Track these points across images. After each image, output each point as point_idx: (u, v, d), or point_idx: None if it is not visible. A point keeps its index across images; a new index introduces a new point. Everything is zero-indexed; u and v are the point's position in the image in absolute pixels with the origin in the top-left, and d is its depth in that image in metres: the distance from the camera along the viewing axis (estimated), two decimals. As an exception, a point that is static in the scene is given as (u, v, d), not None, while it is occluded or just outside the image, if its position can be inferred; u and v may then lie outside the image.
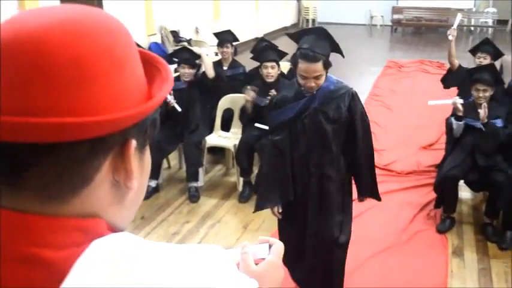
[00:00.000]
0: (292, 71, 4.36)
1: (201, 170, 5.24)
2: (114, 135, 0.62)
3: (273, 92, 4.81)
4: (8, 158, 0.60)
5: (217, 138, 5.50)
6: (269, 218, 4.24)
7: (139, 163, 0.69)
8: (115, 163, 0.65)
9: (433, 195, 4.73)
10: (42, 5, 5.00)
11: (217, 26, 10.64)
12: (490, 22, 18.24)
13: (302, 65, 2.99)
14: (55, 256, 0.59)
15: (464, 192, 5.02)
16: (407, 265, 3.98)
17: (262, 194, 3.43)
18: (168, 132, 5.03)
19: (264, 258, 1.03)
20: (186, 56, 5.19)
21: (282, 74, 5.27)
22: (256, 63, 5.45)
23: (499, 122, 4.41)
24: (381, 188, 5.11)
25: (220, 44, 6.03)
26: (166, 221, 4.67)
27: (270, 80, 5.04)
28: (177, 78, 5.16)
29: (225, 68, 5.96)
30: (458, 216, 4.71)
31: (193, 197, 5.08)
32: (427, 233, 4.46)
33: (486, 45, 5.58)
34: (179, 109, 4.85)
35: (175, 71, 5.24)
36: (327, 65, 3.04)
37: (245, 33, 10.61)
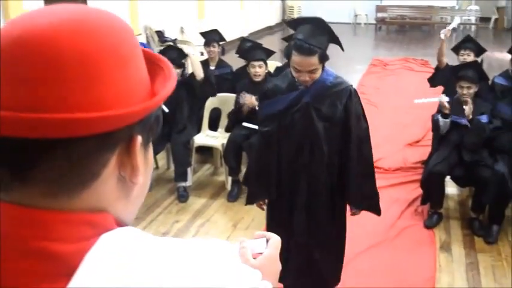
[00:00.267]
0: (281, 69, 4.37)
1: (189, 170, 5.25)
2: (120, 131, 0.64)
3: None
4: (18, 153, 0.61)
5: (205, 137, 5.51)
6: (258, 217, 4.26)
7: (144, 159, 0.71)
8: (121, 159, 0.67)
9: (420, 191, 4.78)
10: (26, 6, 4.93)
11: (202, 26, 10.63)
12: (472, 20, 18.41)
13: (296, 58, 2.79)
14: (65, 250, 0.61)
15: (451, 188, 5.08)
16: (396, 261, 4.02)
17: (251, 188, 3.32)
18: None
19: (261, 253, 1.05)
20: (173, 55, 5.18)
21: (269, 73, 5.29)
22: (242, 62, 5.46)
23: (484, 118, 4.47)
24: (369, 185, 5.19)
25: (206, 44, 6.03)
26: (155, 221, 4.67)
27: (258, 79, 5.05)
28: None
29: (212, 67, 5.96)
30: (445, 212, 4.77)
31: (182, 196, 5.08)
32: (415, 229, 4.50)
33: (468, 43, 5.64)
34: (166, 110, 4.84)
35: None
36: (324, 59, 2.83)
37: (230, 33, 10.59)
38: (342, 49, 3.10)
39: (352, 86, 3.04)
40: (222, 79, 5.84)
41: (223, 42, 6.16)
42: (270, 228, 3.28)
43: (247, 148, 4.82)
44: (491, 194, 4.27)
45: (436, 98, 4.67)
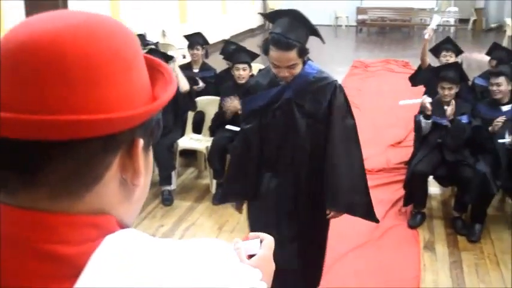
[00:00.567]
0: None
1: (173, 173, 5.23)
2: (123, 133, 0.65)
3: None
4: (22, 156, 0.62)
5: (189, 141, 5.50)
6: (244, 219, 4.26)
7: (145, 162, 0.72)
8: (123, 162, 0.68)
9: (404, 191, 4.82)
10: (4, 7, 4.86)
11: (184, 29, 10.62)
12: (451, 21, 18.64)
13: (274, 53, 2.66)
14: (71, 252, 0.62)
15: (433, 188, 5.13)
16: (381, 260, 4.05)
17: (225, 186, 3.22)
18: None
19: (255, 254, 1.06)
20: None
21: (253, 76, 5.30)
22: (225, 65, 5.47)
23: (464, 118, 4.53)
24: (353, 186, 5.22)
25: (190, 46, 6.03)
26: (140, 225, 4.64)
27: (242, 81, 5.06)
28: None
29: (195, 70, 5.96)
30: (429, 211, 4.82)
31: (167, 200, 5.07)
32: (399, 229, 4.54)
33: (448, 44, 5.72)
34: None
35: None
36: (303, 53, 2.70)
37: (212, 36, 10.60)
38: (323, 41, 2.94)
39: (337, 81, 2.90)
40: (205, 82, 5.84)
41: (207, 45, 6.16)
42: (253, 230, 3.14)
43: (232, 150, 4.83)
44: (473, 194, 4.32)
45: (419, 100, 4.71)
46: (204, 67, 6.04)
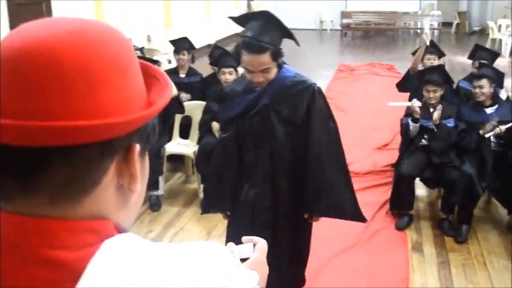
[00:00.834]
0: None
1: (161, 179, 5.22)
2: (120, 139, 0.65)
3: None
4: (20, 162, 0.62)
5: (176, 145, 5.49)
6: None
7: (141, 167, 0.72)
8: (120, 167, 0.68)
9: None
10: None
11: (169, 34, 10.61)
12: (435, 24, 18.82)
13: (246, 57, 2.55)
14: (70, 257, 0.62)
15: (420, 190, 5.17)
16: (370, 263, 4.07)
17: (207, 196, 3.14)
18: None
19: (249, 257, 1.07)
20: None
21: (238, 80, 5.30)
22: (211, 70, 5.47)
23: (451, 122, 4.57)
24: (340, 189, 5.24)
25: (176, 51, 6.02)
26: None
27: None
28: None
29: (182, 75, 5.96)
30: (416, 213, 4.85)
31: (155, 205, 5.05)
32: (387, 231, 4.57)
33: (432, 47, 5.76)
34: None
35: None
36: (277, 56, 2.58)
37: (197, 41, 10.61)
38: (297, 43, 2.80)
39: (315, 84, 2.78)
40: (192, 87, 5.84)
41: (193, 49, 6.16)
42: (230, 238, 2.95)
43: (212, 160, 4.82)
44: (459, 195, 4.36)
45: (409, 103, 4.73)
46: (191, 72, 6.04)
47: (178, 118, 5.57)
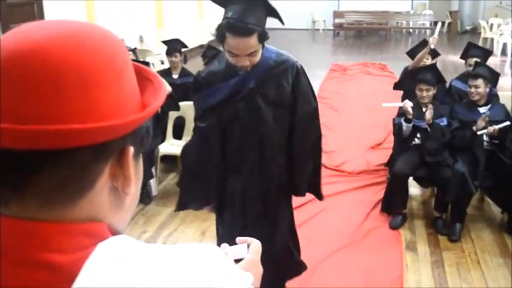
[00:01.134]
0: None
1: (153, 181, 5.25)
2: (114, 141, 0.65)
3: None
4: (15, 166, 0.61)
5: (169, 146, 5.49)
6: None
7: (135, 169, 0.72)
8: (114, 170, 0.68)
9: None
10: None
11: (162, 34, 10.60)
12: (427, 24, 18.89)
13: (232, 40, 2.37)
14: (65, 260, 0.62)
15: (414, 188, 5.19)
16: (364, 262, 4.07)
17: (185, 191, 2.91)
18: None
19: (243, 258, 1.07)
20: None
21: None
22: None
23: (444, 121, 4.59)
24: (334, 189, 5.27)
25: (168, 53, 6.01)
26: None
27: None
28: None
29: (175, 76, 5.95)
30: (409, 212, 4.86)
31: (146, 198, 5.12)
32: (381, 230, 4.58)
33: (424, 47, 5.76)
34: None
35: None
36: (263, 38, 2.43)
37: (189, 41, 10.60)
38: (282, 22, 2.62)
39: (297, 62, 2.68)
40: (185, 87, 5.82)
41: (186, 48, 6.15)
42: (220, 236, 2.99)
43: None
44: (453, 193, 4.37)
45: (402, 103, 4.73)
46: (184, 73, 6.03)
47: (171, 119, 5.56)
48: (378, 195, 5.12)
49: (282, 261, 2.99)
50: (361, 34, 19.48)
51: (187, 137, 5.53)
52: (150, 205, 5.14)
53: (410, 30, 18.99)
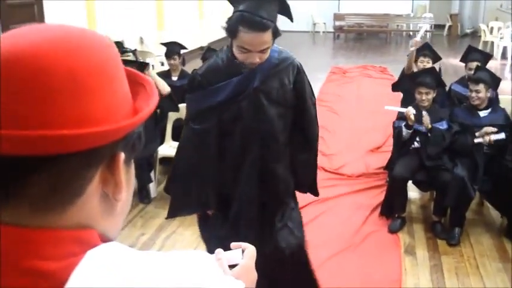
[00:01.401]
0: None
1: (152, 185, 5.28)
2: (105, 147, 0.64)
3: None
4: (5, 172, 0.61)
5: (168, 148, 5.47)
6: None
7: (127, 175, 0.71)
8: (104, 176, 0.67)
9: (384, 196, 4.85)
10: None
11: (162, 35, 10.60)
12: (427, 27, 18.88)
13: (246, 35, 2.26)
14: (54, 267, 0.61)
15: (413, 192, 5.18)
16: (363, 265, 4.07)
17: (177, 198, 2.73)
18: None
19: (237, 264, 1.06)
20: (131, 68, 5.12)
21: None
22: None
23: (443, 125, 4.58)
24: (333, 192, 5.27)
25: (167, 56, 6.00)
26: (120, 234, 4.53)
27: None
28: None
29: (174, 78, 5.94)
30: (408, 216, 4.85)
31: (145, 198, 5.17)
32: (380, 234, 4.57)
33: (426, 50, 5.77)
34: None
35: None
36: (276, 34, 2.34)
37: (190, 43, 10.60)
38: (291, 20, 2.53)
39: (296, 59, 2.62)
40: (184, 89, 5.79)
41: (185, 49, 6.14)
42: (209, 245, 2.84)
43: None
44: (452, 197, 4.36)
45: (405, 109, 4.70)
46: (183, 75, 6.02)
47: (170, 120, 5.55)
48: (377, 198, 5.11)
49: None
50: (361, 37, 19.49)
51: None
52: (149, 207, 5.13)
53: (411, 33, 18.97)
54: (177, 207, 2.74)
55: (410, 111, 4.58)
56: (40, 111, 0.59)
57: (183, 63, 6.11)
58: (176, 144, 5.47)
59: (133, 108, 0.70)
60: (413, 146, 4.70)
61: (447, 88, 5.55)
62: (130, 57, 6.55)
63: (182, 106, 5.50)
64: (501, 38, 14.00)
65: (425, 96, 4.61)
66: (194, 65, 5.81)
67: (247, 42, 2.29)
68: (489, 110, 4.65)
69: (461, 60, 5.74)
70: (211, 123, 2.51)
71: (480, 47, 12.63)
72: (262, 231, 2.70)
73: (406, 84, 5.55)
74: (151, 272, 0.65)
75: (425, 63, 5.54)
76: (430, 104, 4.65)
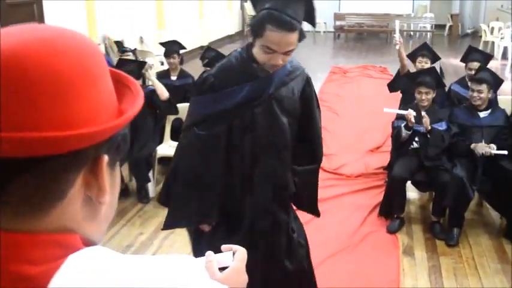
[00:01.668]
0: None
1: (150, 184, 5.27)
2: (87, 150, 0.64)
3: None
4: None
5: (167, 148, 5.47)
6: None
7: (111, 178, 0.71)
8: (87, 179, 0.67)
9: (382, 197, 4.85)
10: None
11: (162, 35, 10.59)
12: (428, 27, 18.87)
13: (274, 34, 2.13)
14: (35, 271, 0.61)
15: (412, 193, 5.17)
16: (361, 266, 4.06)
17: (176, 207, 2.50)
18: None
19: (228, 266, 1.06)
20: (131, 67, 5.11)
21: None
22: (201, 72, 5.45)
23: (442, 125, 4.57)
24: (332, 192, 5.26)
25: (166, 55, 6.00)
26: (119, 233, 4.60)
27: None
28: None
29: (173, 78, 5.94)
30: (407, 216, 4.84)
31: (144, 198, 5.17)
32: (378, 234, 4.56)
33: (425, 50, 5.77)
34: None
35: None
36: (302, 37, 2.22)
37: (190, 42, 10.59)
38: (314, 25, 2.41)
39: (305, 69, 2.54)
40: (183, 89, 5.82)
41: (184, 49, 6.13)
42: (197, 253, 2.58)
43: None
44: (451, 197, 4.35)
45: (405, 112, 4.67)
46: (182, 74, 6.02)
47: (169, 120, 5.55)
48: (376, 199, 5.11)
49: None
50: (361, 36, 19.47)
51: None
52: (147, 207, 5.13)
53: (411, 33, 18.95)
54: (175, 218, 2.52)
55: (411, 114, 4.56)
56: (19, 113, 0.58)
57: (181, 62, 6.10)
58: (175, 144, 5.49)
59: (118, 110, 0.70)
60: (412, 146, 4.70)
61: (447, 88, 5.54)
62: (130, 56, 6.54)
63: (181, 106, 5.50)
64: (502, 38, 13.99)
65: (425, 96, 4.60)
66: (194, 64, 5.82)
67: (273, 42, 2.16)
68: (489, 111, 4.64)
69: (461, 61, 5.73)
70: (220, 129, 2.34)
71: (481, 47, 12.63)
72: (273, 242, 2.61)
73: (402, 84, 5.57)
74: (132, 275, 0.64)
75: (424, 63, 5.53)
76: (429, 104, 4.64)
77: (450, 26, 19.42)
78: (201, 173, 2.40)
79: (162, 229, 2.63)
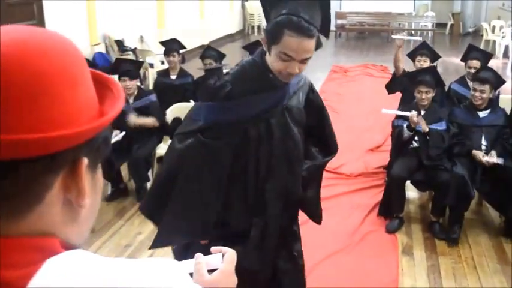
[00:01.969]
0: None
1: (149, 183, 5.23)
2: (66, 152, 0.63)
3: None
4: None
5: (167, 148, 5.46)
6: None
7: (92, 181, 0.70)
8: (66, 182, 0.66)
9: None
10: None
11: (163, 34, 10.58)
12: (429, 25, 18.84)
13: (292, 40, 2.02)
14: (12, 276, 0.60)
15: (411, 192, 5.16)
16: (360, 265, 4.05)
17: (168, 222, 2.23)
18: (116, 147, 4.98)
19: (217, 268, 1.05)
20: (126, 67, 5.10)
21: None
22: (202, 72, 5.45)
23: (442, 125, 4.56)
24: (331, 191, 5.25)
25: (166, 53, 5.99)
26: (118, 233, 4.60)
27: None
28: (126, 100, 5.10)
29: (173, 77, 5.93)
30: (407, 216, 4.83)
31: (143, 197, 5.09)
32: (377, 234, 4.55)
33: (424, 49, 5.75)
34: (120, 138, 4.63)
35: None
36: (319, 45, 2.12)
37: (190, 41, 10.58)
38: (327, 36, 2.36)
39: (307, 76, 2.48)
40: (183, 88, 5.81)
41: (184, 50, 6.13)
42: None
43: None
44: (452, 196, 4.33)
45: (406, 113, 4.65)
46: (182, 74, 6.01)
47: (169, 120, 5.54)
48: (375, 198, 5.10)
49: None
50: (362, 35, 19.44)
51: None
52: (147, 206, 5.12)
53: (413, 31, 18.91)
54: (168, 234, 2.26)
55: (415, 115, 4.53)
56: None
57: (183, 61, 6.09)
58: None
59: (99, 111, 0.69)
60: (411, 145, 4.69)
61: (446, 87, 5.53)
62: (130, 55, 6.55)
63: (180, 105, 5.49)
64: (503, 37, 13.96)
65: (425, 95, 4.59)
66: (194, 64, 5.81)
67: (291, 48, 2.04)
68: (489, 111, 4.63)
69: (461, 60, 5.72)
70: (230, 139, 2.19)
71: (482, 46, 12.62)
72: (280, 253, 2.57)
73: (400, 85, 5.56)
74: (110, 277, 0.63)
75: (423, 62, 5.52)
76: (429, 103, 4.63)
77: (451, 25, 19.37)
78: (205, 184, 2.21)
79: (150, 248, 2.38)
